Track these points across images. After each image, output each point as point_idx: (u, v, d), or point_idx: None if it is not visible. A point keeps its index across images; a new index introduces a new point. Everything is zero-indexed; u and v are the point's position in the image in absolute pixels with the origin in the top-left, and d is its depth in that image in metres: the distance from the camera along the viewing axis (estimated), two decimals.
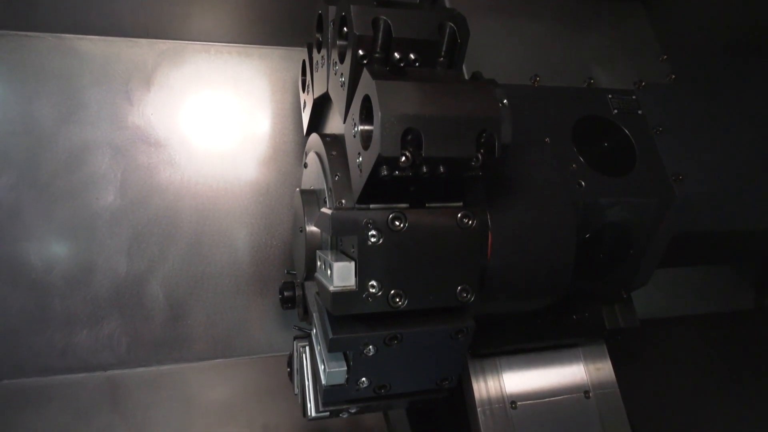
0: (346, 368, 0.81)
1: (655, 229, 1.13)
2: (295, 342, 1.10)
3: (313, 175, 1.04)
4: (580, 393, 1.31)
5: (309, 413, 0.94)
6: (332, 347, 0.78)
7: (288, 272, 1.30)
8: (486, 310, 1.09)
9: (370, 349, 0.79)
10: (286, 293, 1.32)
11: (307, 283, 1.08)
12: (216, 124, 1.57)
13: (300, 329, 1.17)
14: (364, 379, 0.83)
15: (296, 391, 1.12)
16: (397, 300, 0.76)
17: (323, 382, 0.82)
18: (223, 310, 1.59)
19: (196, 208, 1.55)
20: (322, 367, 0.82)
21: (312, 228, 0.97)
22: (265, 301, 1.61)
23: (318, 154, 0.99)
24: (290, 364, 1.24)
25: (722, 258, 1.49)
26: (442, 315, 0.82)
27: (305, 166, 1.12)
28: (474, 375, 1.26)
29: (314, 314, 0.90)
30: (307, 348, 1.02)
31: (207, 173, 1.56)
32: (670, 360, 1.83)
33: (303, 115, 1.26)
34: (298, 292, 1.30)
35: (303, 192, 1.02)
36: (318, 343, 0.86)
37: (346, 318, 0.79)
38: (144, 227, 1.52)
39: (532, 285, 1.04)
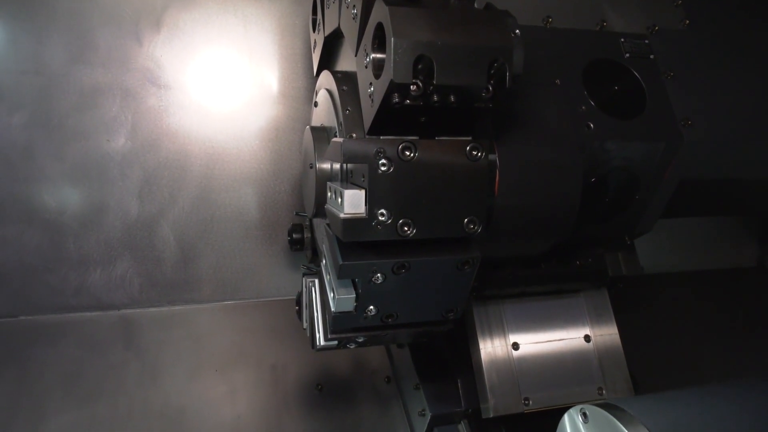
0: (354, 296, 0.84)
1: (661, 174, 1.14)
2: (304, 278, 1.13)
3: (323, 113, 1.05)
4: (581, 337, 1.34)
5: (318, 343, 0.98)
6: (342, 274, 0.80)
7: (297, 213, 1.33)
8: (491, 252, 1.11)
9: (378, 277, 0.81)
10: (294, 235, 1.34)
11: (316, 220, 1.10)
12: (225, 67, 1.56)
13: (308, 268, 1.20)
14: (372, 307, 0.86)
15: (305, 325, 1.15)
16: (406, 229, 0.78)
17: (333, 309, 0.84)
18: (232, 253, 1.62)
19: (206, 152, 1.57)
20: (332, 294, 0.85)
21: (322, 165, 0.98)
22: (274, 245, 1.64)
23: (329, 90, 1.00)
24: (299, 302, 1.27)
25: (727, 209, 1.50)
26: (449, 245, 0.84)
27: (315, 105, 1.13)
28: (478, 318, 1.29)
29: (324, 246, 0.92)
30: (316, 282, 1.04)
31: (216, 117, 1.56)
32: (669, 312, 1.85)
33: (313, 56, 1.26)
34: (307, 235, 1.33)
35: (313, 129, 1.03)
36: (328, 272, 0.89)
37: (356, 246, 0.81)
38: (154, 170, 1.54)
39: (537, 226, 1.06)
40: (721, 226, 2.11)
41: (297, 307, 1.28)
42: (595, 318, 1.37)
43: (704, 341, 1.78)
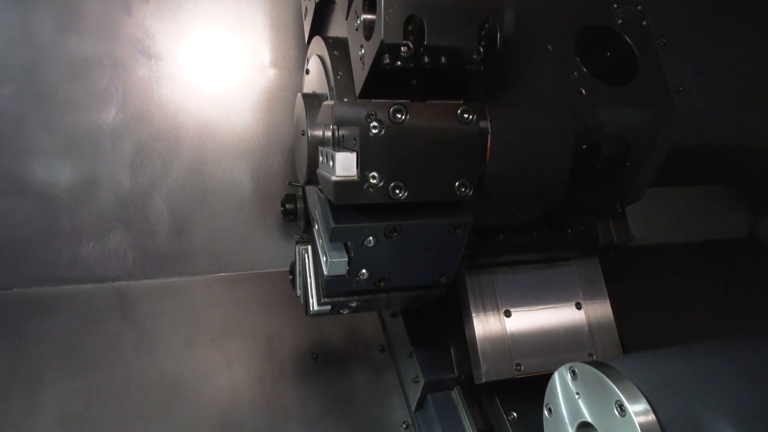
0: (347, 259, 0.84)
1: (653, 141, 1.15)
2: (297, 246, 1.14)
3: (314, 80, 1.04)
4: (572, 305, 1.36)
5: (311, 308, 0.99)
6: (334, 237, 0.81)
7: (290, 183, 1.33)
8: (483, 219, 1.12)
9: (370, 241, 0.82)
10: (288, 205, 1.35)
11: (308, 188, 1.10)
12: (216, 37, 1.55)
13: (301, 237, 1.20)
14: (364, 270, 0.87)
15: (298, 293, 1.16)
16: (397, 192, 0.79)
17: (325, 273, 0.85)
18: (226, 226, 1.62)
19: (198, 124, 1.56)
20: (324, 258, 0.85)
21: (314, 132, 0.98)
22: (267, 218, 1.64)
23: (320, 57, 0.99)
24: (292, 271, 1.28)
25: (718, 177, 1.51)
26: (440, 209, 0.85)
27: (307, 72, 1.12)
28: (470, 287, 1.30)
29: (316, 211, 0.92)
30: (309, 248, 1.05)
31: (207, 88, 1.55)
32: (659, 283, 1.87)
33: (304, 23, 1.25)
34: (300, 205, 1.33)
35: (305, 96, 1.02)
36: (320, 236, 0.89)
37: (348, 209, 0.81)
38: (146, 142, 1.53)
39: (529, 192, 1.06)
40: (711, 197, 2.12)
41: (291, 276, 1.29)
42: (586, 286, 1.38)
43: (693, 311, 1.80)
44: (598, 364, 0.74)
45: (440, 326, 1.38)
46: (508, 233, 1.24)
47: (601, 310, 1.38)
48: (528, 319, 1.31)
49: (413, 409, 1.34)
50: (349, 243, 0.84)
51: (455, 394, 1.34)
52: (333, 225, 0.80)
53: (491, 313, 1.30)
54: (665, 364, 0.76)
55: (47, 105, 1.45)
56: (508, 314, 1.31)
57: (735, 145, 1.27)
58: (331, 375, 1.43)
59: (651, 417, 0.67)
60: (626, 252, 1.84)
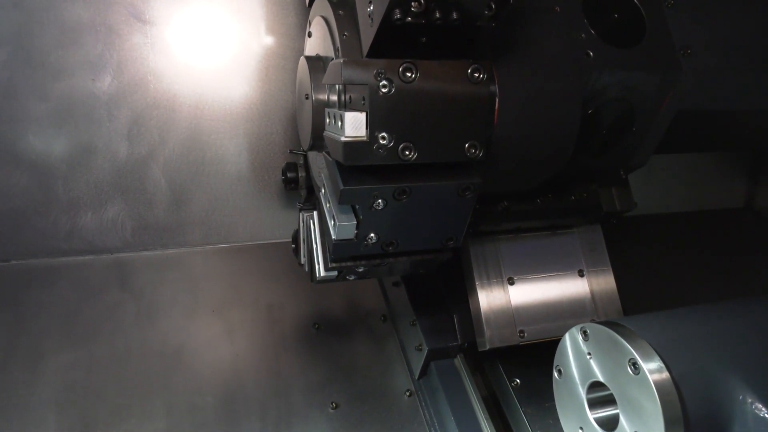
0: (355, 222, 0.83)
1: (659, 105, 1.14)
2: (300, 213, 1.12)
3: (318, 42, 1.02)
4: (575, 272, 1.36)
5: (318, 274, 0.98)
6: (343, 199, 0.79)
7: (291, 151, 1.31)
8: (488, 185, 1.11)
9: (379, 203, 0.81)
10: (289, 174, 1.33)
11: (311, 155, 1.08)
12: (212, 3, 1.51)
13: (304, 205, 1.19)
14: (372, 234, 0.86)
15: (302, 261, 1.15)
16: (407, 153, 0.77)
17: (334, 236, 0.84)
18: (225, 196, 1.60)
19: (194, 91, 1.53)
20: (332, 222, 0.84)
21: (318, 95, 0.96)
22: (267, 188, 1.62)
23: (324, 17, 0.96)
24: (295, 240, 1.27)
25: (722, 143, 1.50)
26: (450, 171, 0.84)
27: (309, 35, 1.10)
28: (474, 255, 1.29)
29: (323, 174, 0.91)
30: (315, 214, 1.04)
31: (203, 55, 1.52)
32: (659, 252, 1.88)
33: None
34: (301, 173, 1.31)
35: (308, 58, 1.00)
36: (327, 200, 0.88)
37: (357, 171, 0.80)
38: (142, 111, 1.50)
39: (535, 156, 1.05)
40: (708, 168, 2.12)
41: (293, 246, 1.27)
42: (588, 253, 1.38)
43: (692, 279, 1.81)
44: (611, 324, 0.74)
45: (443, 294, 1.38)
46: (512, 200, 1.23)
47: (603, 277, 1.38)
48: (531, 287, 1.31)
49: (416, 377, 1.35)
50: (357, 206, 0.83)
51: (458, 361, 1.35)
52: (342, 187, 0.78)
53: (495, 280, 1.30)
54: (677, 324, 0.76)
55: (40, 72, 1.41)
56: (511, 282, 1.31)
57: (740, 109, 1.26)
58: (333, 344, 1.43)
59: (665, 374, 0.67)
60: (626, 222, 1.85)
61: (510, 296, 1.29)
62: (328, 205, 0.88)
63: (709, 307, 0.81)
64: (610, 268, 1.39)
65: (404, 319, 1.41)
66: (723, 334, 0.75)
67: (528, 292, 1.31)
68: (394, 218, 0.84)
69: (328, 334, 1.45)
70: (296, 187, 1.33)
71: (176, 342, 1.37)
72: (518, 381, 1.29)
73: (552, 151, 1.05)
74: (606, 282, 1.38)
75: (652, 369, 0.66)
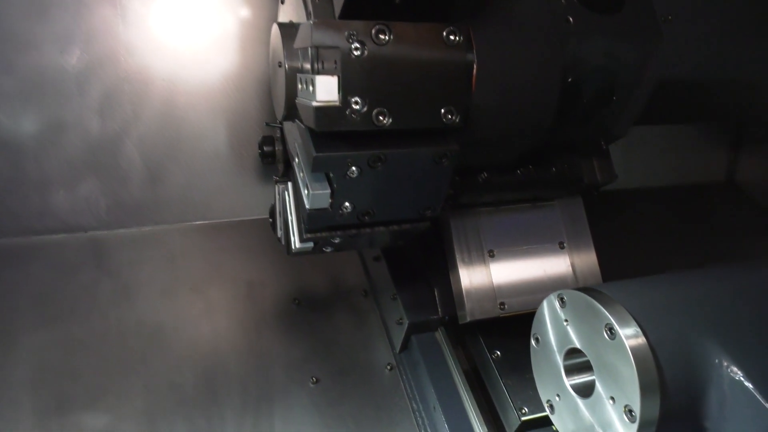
0: (329, 191, 0.81)
1: (640, 74, 1.12)
2: (276, 186, 1.10)
3: (290, 8, 0.99)
4: (555, 244, 1.36)
5: (293, 246, 0.96)
6: (316, 167, 0.77)
7: (267, 124, 1.28)
8: (468, 156, 1.09)
9: (353, 171, 0.79)
10: (265, 148, 1.30)
11: (287, 125, 1.06)
12: None
13: (280, 178, 1.16)
14: (347, 204, 0.84)
15: (279, 234, 1.13)
16: (381, 118, 0.75)
17: (308, 206, 0.82)
18: (202, 172, 1.57)
19: (167, 65, 1.49)
20: (306, 191, 0.82)
21: (291, 62, 0.93)
22: (244, 164, 1.60)
23: None
24: (272, 214, 1.24)
25: (704, 113, 1.50)
26: (426, 138, 0.82)
27: (282, 2, 1.06)
28: (454, 227, 1.28)
29: (296, 144, 0.88)
30: (290, 185, 1.01)
31: (176, 28, 1.48)
32: (639, 226, 1.88)
33: None
34: (278, 147, 1.28)
35: (281, 25, 0.97)
36: (301, 169, 0.86)
37: (330, 138, 0.78)
38: (114, 85, 1.46)
39: (514, 126, 1.04)
40: (689, 141, 2.12)
41: (271, 220, 1.25)
42: (569, 226, 1.38)
43: (672, 254, 1.81)
44: (588, 290, 0.73)
45: (423, 268, 1.37)
46: (492, 171, 1.21)
47: (584, 249, 1.38)
48: (512, 259, 1.31)
49: (397, 350, 1.34)
50: (331, 174, 0.81)
51: (439, 335, 1.34)
52: (315, 154, 0.76)
53: (475, 253, 1.29)
54: (655, 289, 0.75)
55: (5, 45, 1.36)
56: (492, 255, 1.30)
57: (721, 79, 1.26)
58: (314, 320, 1.42)
59: (641, 339, 0.66)
60: (607, 196, 1.84)
61: (490, 269, 1.29)
62: (301, 174, 0.86)
63: (686, 274, 0.81)
64: (591, 240, 1.39)
65: (385, 293, 1.40)
66: (700, 299, 0.75)
67: (508, 265, 1.30)
68: (369, 187, 0.82)
69: (309, 309, 1.43)
70: (273, 161, 1.30)
71: (154, 320, 1.35)
72: (499, 353, 1.28)
73: (531, 120, 1.03)
74: (587, 254, 1.38)
75: (629, 334, 0.66)
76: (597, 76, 1.10)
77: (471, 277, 1.27)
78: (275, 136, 1.29)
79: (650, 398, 0.64)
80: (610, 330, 0.67)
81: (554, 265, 1.33)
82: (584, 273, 1.36)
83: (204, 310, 1.39)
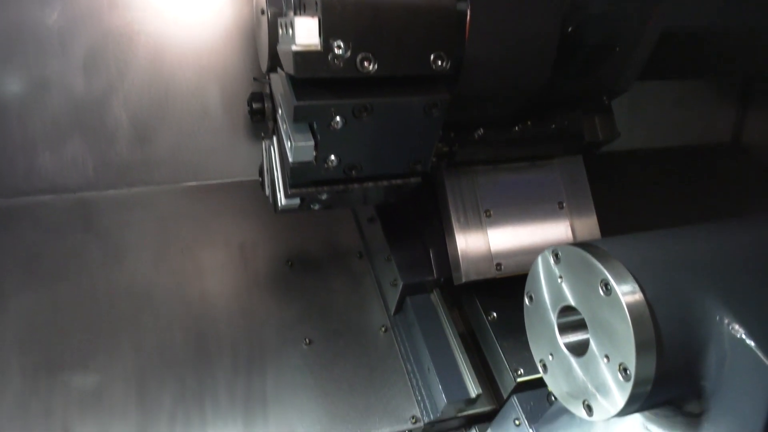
0: (313, 143, 0.77)
1: (643, 22, 1.06)
2: (263, 142, 1.06)
3: None
4: (554, 204, 1.32)
5: (279, 203, 0.92)
6: (297, 116, 0.73)
7: (255, 79, 1.23)
8: (464, 111, 1.05)
9: (337, 122, 0.75)
10: (254, 105, 1.25)
11: (273, 78, 1.01)
12: None
13: (267, 136, 1.12)
14: (332, 157, 0.80)
15: (267, 192, 1.09)
16: (366, 64, 0.71)
17: (291, 159, 0.78)
18: (191, 132, 1.53)
19: (153, 20, 1.43)
20: (289, 144, 0.78)
21: (273, 9, 0.88)
22: (235, 123, 1.55)
23: None
24: (261, 173, 1.21)
25: (707, 67, 1.44)
26: (415, 86, 0.77)
27: None
28: (450, 187, 1.25)
29: (279, 95, 0.84)
30: (275, 139, 0.97)
31: None
32: (641, 188, 1.84)
33: None
34: (267, 104, 1.24)
35: None
36: (284, 121, 0.81)
37: (312, 86, 0.73)
38: (98, 41, 1.41)
39: (511, 78, 0.99)
40: (695, 102, 2.05)
41: (260, 179, 1.22)
42: (569, 185, 1.34)
43: (677, 216, 1.77)
44: (583, 245, 0.69)
45: (418, 229, 1.34)
46: (488, 127, 1.17)
47: (583, 209, 1.34)
48: (509, 219, 1.27)
49: (392, 312, 1.32)
50: (315, 125, 0.76)
51: (434, 296, 1.32)
52: (295, 102, 0.72)
53: (471, 213, 1.25)
54: (654, 245, 0.72)
55: None
56: (488, 214, 1.27)
57: (728, 29, 1.20)
58: (307, 282, 1.39)
59: (638, 295, 0.63)
60: (609, 158, 1.80)
61: (487, 229, 1.25)
62: (284, 126, 0.81)
63: (687, 230, 0.77)
64: (591, 200, 1.35)
65: (380, 254, 1.37)
66: (701, 254, 0.71)
67: (505, 225, 1.27)
68: (355, 139, 0.78)
69: (302, 271, 1.41)
70: (263, 119, 1.25)
71: (144, 282, 1.33)
72: (495, 315, 1.26)
73: (528, 72, 0.98)
74: (586, 215, 1.35)
75: (625, 290, 0.63)
76: (598, 25, 1.04)
77: (467, 237, 1.24)
78: (264, 93, 1.24)
79: (646, 356, 0.61)
80: (606, 285, 0.64)
81: (553, 225, 1.30)
82: (584, 234, 1.32)
83: (195, 271, 1.37)
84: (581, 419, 0.84)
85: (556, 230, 1.30)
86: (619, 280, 0.63)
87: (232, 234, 1.45)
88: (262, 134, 1.10)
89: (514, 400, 1.10)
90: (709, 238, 0.76)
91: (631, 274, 0.64)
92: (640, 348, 0.61)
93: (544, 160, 1.33)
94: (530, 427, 1.04)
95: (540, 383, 1.15)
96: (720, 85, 2.05)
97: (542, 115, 1.22)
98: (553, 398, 1.08)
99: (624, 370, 0.63)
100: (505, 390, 1.19)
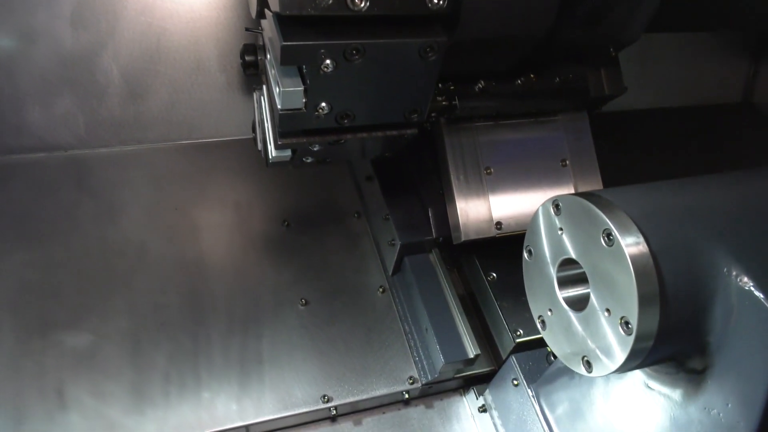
0: (302, 88, 0.73)
1: None
2: (254, 93, 1.02)
3: None
4: (557, 161, 1.28)
5: (270, 155, 0.88)
6: (285, 58, 0.69)
7: (247, 29, 1.18)
8: (463, 61, 1.00)
9: (328, 65, 0.70)
10: (247, 57, 1.21)
11: (264, 24, 0.96)
12: None
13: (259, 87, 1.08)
14: (323, 104, 0.76)
15: (260, 146, 1.05)
16: (358, 1, 0.66)
17: (279, 105, 0.74)
18: (185, 88, 1.48)
19: None
20: (277, 90, 0.74)
21: None
22: (231, 79, 1.50)
23: None
24: (254, 128, 1.17)
25: (722, 19, 1.37)
26: (410, 27, 0.73)
27: None
28: (449, 143, 1.21)
29: (267, 38, 0.80)
30: (264, 88, 0.93)
31: None
32: (648, 149, 1.79)
33: None
34: (261, 56, 1.19)
35: None
36: (272, 66, 0.77)
37: (300, 25, 0.69)
38: None
39: (512, 23, 0.94)
40: (706, 60, 1.99)
41: (254, 134, 1.18)
42: (573, 142, 1.30)
43: (683, 176, 1.74)
44: (585, 194, 0.66)
45: (417, 187, 1.30)
46: (489, 80, 1.12)
47: (587, 168, 1.31)
48: (510, 177, 1.24)
49: (390, 273, 1.30)
50: (304, 69, 0.72)
51: (433, 256, 1.29)
52: (282, 43, 0.67)
53: (471, 170, 1.22)
54: (659, 195, 0.68)
55: None
56: (489, 172, 1.23)
57: None
58: (304, 242, 1.37)
59: (642, 246, 0.59)
60: (615, 118, 1.75)
61: (487, 187, 1.22)
62: (273, 71, 0.77)
63: (694, 180, 0.74)
64: (596, 159, 1.32)
65: (377, 214, 1.34)
66: (708, 205, 0.68)
67: (506, 183, 1.23)
68: (347, 84, 0.74)
69: (299, 231, 1.38)
70: (257, 72, 1.21)
71: (138, 241, 1.30)
72: (494, 275, 1.24)
73: (531, 17, 0.93)
74: (590, 173, 1.31)
75: (629, 240, 0.59)
76: None
77: (466, 195, 1.21)
78: (257, 45, 1.19)
79: (649, 309, 0.58)
80: (608, 236, 0.60)
81: (555, 183, 1.27)
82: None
83: (189, 231, 1.34)
84: (580, 378, 0.82)
85: (558, 188, 1.27)
86: (623, 230, 0.60)
87: (227, 193, 1.42)
88: (254, 86, 1.05)
89: (513, 360, 1.08)
90: (716, 188, 0.73)
91: (635, 223, 0.61)
92: (643, 301, 0.58)
93: (547, 116, 1.29)
94: (528, 387, 1.02)
95: (539, 344, 1.13)
96: (731, 42, 1.98)
97: (546, 68, 1.17)
98: (552, 358, 1.06)
99: (626, 323, 0.60)
100: (504, 351, 1.17)
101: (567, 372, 0.93)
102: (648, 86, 1.89)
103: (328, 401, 1.11)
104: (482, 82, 1.10)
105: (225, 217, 1.37)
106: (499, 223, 1.20)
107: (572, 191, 1.28)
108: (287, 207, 1.41)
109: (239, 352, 1.17)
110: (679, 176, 1.77)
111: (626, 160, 1.68)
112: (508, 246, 1.21)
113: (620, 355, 0.61)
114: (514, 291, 1.21)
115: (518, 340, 1.13)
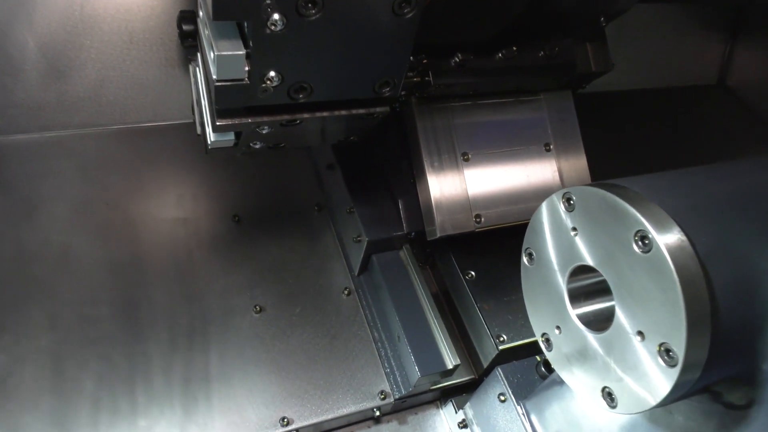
0: (243, 52, 0.56)
1: None
2: (191, 66, 0.84)
3: None
4: (540, 145, 1.16)
5: (208, 140, 0.72)
6: (218, 10, 0.52)
7: None
8: (433, 31, 0.84)
9: (276, 21, 0.54)
10: (185, 26, 1.04)
11: None
12: None
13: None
14: (272, 73, 0.59)
15: (198, 130, 0.88)
16: None
17: (214, 74, 0.57)
18: (116, 64, 1.30)
19: None
20: (212, 55, 0.57)
21: None
22: (168, 54, 1.32)
23: None
24: (193, 108, 0.99)
25: None
26: None
27: None
28: (422, 126, 1.10)
29: None
30: (199, 57, 0.76)
31: None
32: (626, 129, 1.73)
33: None
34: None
35: None
36: (205, 25, 0.60)
37: None
38: None
39: None
40: (682, 41, 1.95)
41: (194, 116, 1.00)
42: (557, 124, 1.20)
43: (662, 158, 1.68)
44: (607, 185, 0.52)
45: (386, 176, 1.17)
46: (467, 52, 0.98)
47: (573, 151, 1.21)
48: (489, 164, 1.14)
49: (356, 273, 1.18)
50: (246, 27, 0.56)
51: (404, 254, 1.16)
52: None
53: (446, 156, 1.10)
54: (692, 185, 0.55)
55: None
56: (466, 158, 1.11)
57: None
58: (257, 239, 1.23)
59: (689, 251, 0.46)
60: (592, 98, 1.65)
61: (464, 175, 1.11)
62: (206, 31, 0.60)
63: (728, 167, 0.60)
64: (581, 141, 1.21)
65: (341, 207, 1.21)
66: (753, 197, 0.55)
67: (486, 170, 1.13)
68: (301, 47, 0.58)
69: (251, 227, 1.24)
70: (195, 43, 1.03)
71: (60, 242, 1.14)
72: (473, 274, 1.12)
73: None
74: (576, 157, 1.22)
75: (672, 244, 0.45)
76: None
77: (442, 185, 1.08)
78: (196, 12, 1.02)
79: (699, 334, 0.45)
80: (643, 239, 0.47)
81: (539, 170, 1.16)
82: (573, 179, 1.19)
83: (123, 230, 1.19)
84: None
85: (542, 175, 1.17)
86: (662, 230, 0.46)
87: (167, 185, 1.27)
88: (189, 57, 0.88)
89: (499, 372, 0.96)
90: (753, 177, 0.60)
91: (676, 222, 0.47)
92: (693, 324, 0.44)
93: (529, 95, 1.16)
94: (518, 404, 0.89)
95: (526, 350, 1.02)
96: (708, 22, 1.94)
97: (530, 40, 1.03)
98: (543, 369, 0.93)
99: (666, 351, 0.46)
100: (486, 358, 1.07)
101: (564, 387, 0.80)
102: (623, 68, 1.81)
103: (287, 424, 1.00)
104: (459, 56, 0.97)
105: (165, 213, 1.24)
106: (478, 216, 1.08)
107: (557, 178, 1.16)
108: (237, 200, 1.28)
109: (183, 371, 1.04)
110: (657, 157, 1.72)
111: (604, 140, 1.59)
112: (488, 240, 1.12)
113: (659, 391, 0.48)
114: (495, 291, 1.11)
115: (501, 347, 1.02)
